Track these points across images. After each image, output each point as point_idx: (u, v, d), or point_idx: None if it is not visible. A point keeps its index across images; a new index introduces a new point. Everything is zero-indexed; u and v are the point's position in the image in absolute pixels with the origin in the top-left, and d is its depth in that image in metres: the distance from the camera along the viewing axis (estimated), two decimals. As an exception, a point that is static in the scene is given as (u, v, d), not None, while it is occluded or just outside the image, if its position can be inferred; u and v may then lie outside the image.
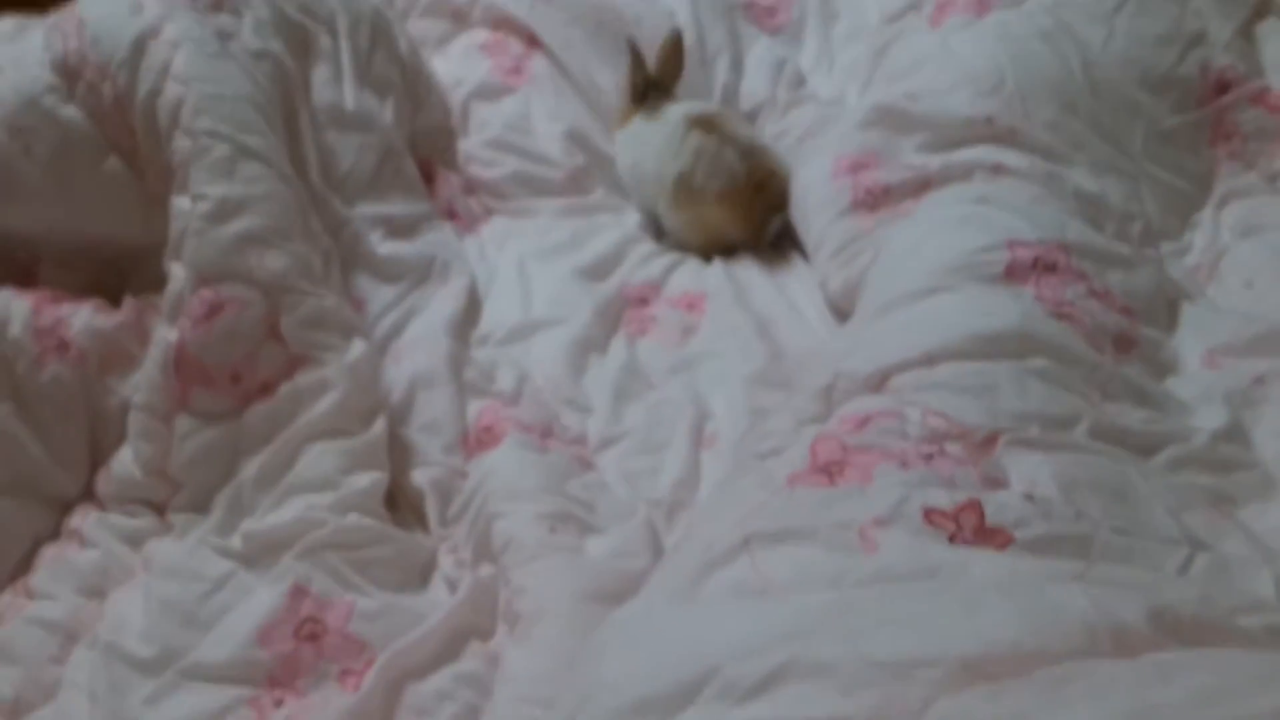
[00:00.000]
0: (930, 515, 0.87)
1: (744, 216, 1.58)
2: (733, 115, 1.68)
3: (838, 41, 1.87)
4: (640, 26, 1.76)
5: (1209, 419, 1.07)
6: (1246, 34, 1.55)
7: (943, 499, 0.89)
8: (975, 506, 0.87)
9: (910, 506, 0.88)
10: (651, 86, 1.66)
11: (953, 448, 0.97)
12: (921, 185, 1.44)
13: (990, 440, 0.98)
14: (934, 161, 1.46)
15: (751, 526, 0.89)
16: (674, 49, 1.67)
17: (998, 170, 1.43)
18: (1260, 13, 1.57)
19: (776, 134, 1.72)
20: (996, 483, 0.93)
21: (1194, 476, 1.01)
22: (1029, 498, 0.91)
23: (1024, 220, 1.25)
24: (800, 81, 1.80)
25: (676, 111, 1.62)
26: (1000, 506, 0.88)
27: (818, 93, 1.79)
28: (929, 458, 0.94)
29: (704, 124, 1.59)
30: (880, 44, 1.76)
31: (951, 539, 0.85)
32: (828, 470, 0.96)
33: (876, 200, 1.46)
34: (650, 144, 1.62)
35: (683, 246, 1.61)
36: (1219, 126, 1.52)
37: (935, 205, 1.39)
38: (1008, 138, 1.47)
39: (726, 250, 1.59)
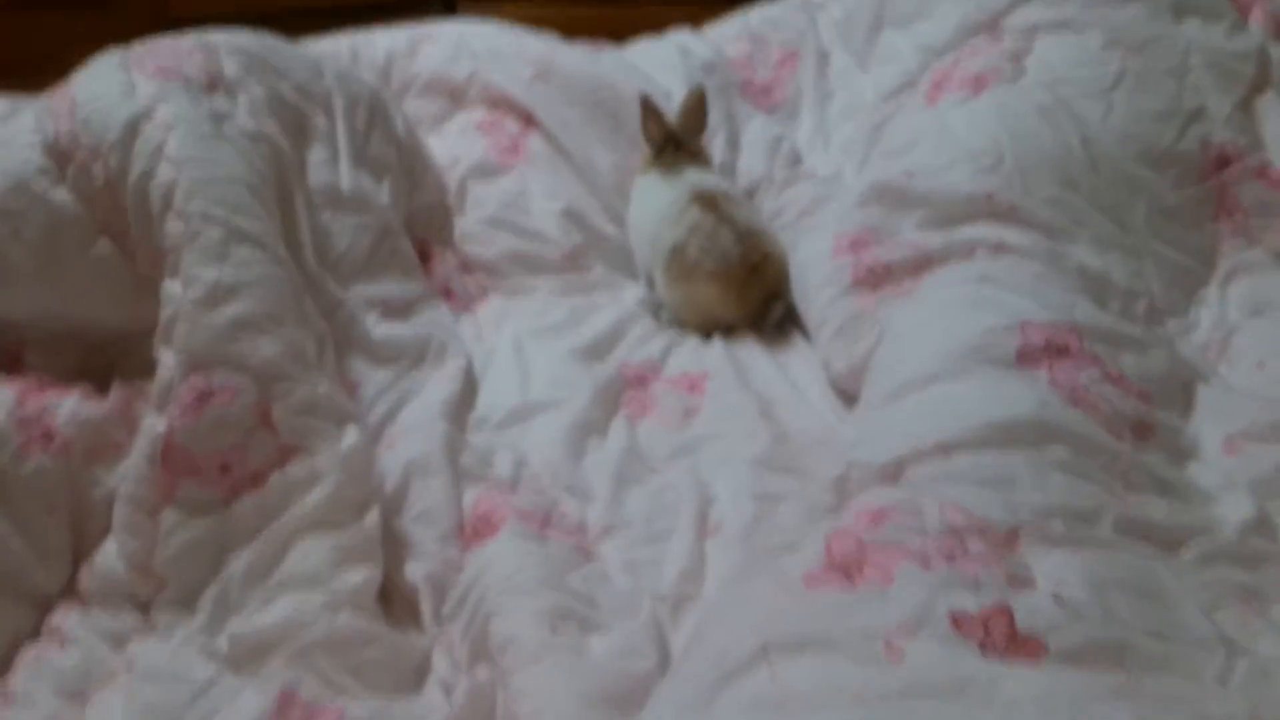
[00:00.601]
0: (958, 621, 0.80)
1: (736, 297, 1.52)
2: (737, 197, 1.63)
3: (833, 119, 1.83)
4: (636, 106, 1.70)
5: (1235, 509, 1.00)
6: (1246, 109, 1.51)
7: (969, 602, 0.82)
8: (1004, 612, 0.81)
9: (936, 611, 0.81)
10: (671, 141, 1.63)
11: (974, 544, 0.90)
12: (923, 263, 1.39)
13: (1012, 536, 0.91)
14: (935, 239, 1.41)
15: (768, 633, 0.82)
16: (696, 105, 1.64)
17: (1000, 248, 1.37)
18: (1258, 88, 1.53)
19: (774, 212, 1.67)
20: (1023, 582, 0.87)
21: (1223, 572, 0.94)
22: (1058, 599, 0.84)
23: (1032, 301, 1.19)
24: (797, 159, 1.76)
25: (687, 179, 1.59)
26: (1030, 611, 0.81)
27: (815, 170, 1.75)
28: (951, 557, 0.88)
29: (705, 200, 1.54)
30: (876, 121, 1.73)
31: (982, 647, 0.79)
32: (845, 569, 0.89)
33: (878, 278, 1.40)
34: (657, 203, 1.58)
35: (677, 321, 1.56)
36: (1221, 202, 1.47)
37: (939, 284, 1.33)
38: (1008, 215, 1.42)
39: (725, 329, 1.53)
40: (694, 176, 1.59)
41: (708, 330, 1.54)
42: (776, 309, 1.53)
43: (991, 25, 1.66)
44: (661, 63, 1.90)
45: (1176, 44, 1.56)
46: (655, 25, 2.18)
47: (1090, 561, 0.89)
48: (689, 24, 2.10)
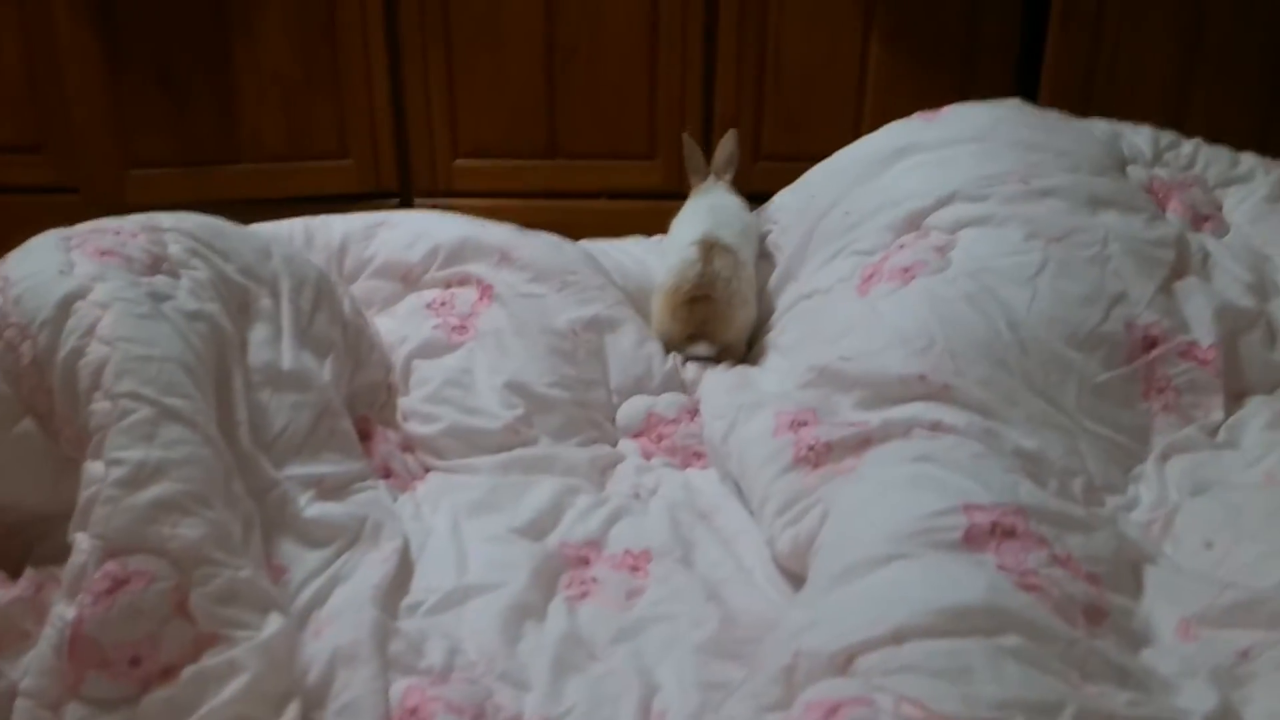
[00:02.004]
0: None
1: (669, 317, 1.73)
2: (737, 248, 1.77)
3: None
4: (618, 280, 1.83)
5: (1197, 700, 0.90)
6: (1168, 292, 1.49)
7: (931, 812, 0.70)
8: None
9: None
10: (709, 174, 1.95)
11: (932, 744, 0.79)
12: (863, 442, 1.32)
13: (972, 733, 0.80)
14: (873, 418, 1.35)
15: None
16: (730, 146, 1.95)
17: (936, 427, 1.32)
18: (1179, 273, 1.52)
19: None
20: (986, 788, 0.75)
21: (1194, 770, 0.83)
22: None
23: (975, 482, 1.11)
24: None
25: (712, 217, 1.81)
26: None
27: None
28: (908, 759, 0.76)
29: (705, 245, 1.73)
30: (811, 311, 1.68)
31: None
32: (797, 774, 0.77)
33: (819, 457, 1.33)
34: (692, 212, 1.84)
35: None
36: (1150, 380, 1.43)
37: (879, 463, 1.26)
38: (942, 395, 1.37)
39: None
40: (719, 216, 1.81)
41: (662, 342, 1.74)
42: (699, 348, 1.72)
43: (916, 224, 1.64)
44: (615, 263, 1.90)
45: (1095, 233, 1.54)
46: (610, 224, 2.17)
47: (1056, 762, 0.77)
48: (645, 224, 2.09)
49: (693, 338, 1.73)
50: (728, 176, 1.97)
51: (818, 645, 0.92)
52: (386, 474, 1.46)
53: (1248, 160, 1.84)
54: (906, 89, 2.53)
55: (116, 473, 1.09)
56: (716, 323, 1.72)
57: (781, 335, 1.73)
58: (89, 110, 2.48)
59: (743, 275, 1.77)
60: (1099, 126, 1.83)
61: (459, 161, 2.65)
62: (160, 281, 1.29)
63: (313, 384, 1.39)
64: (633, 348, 1.72)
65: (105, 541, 1.06)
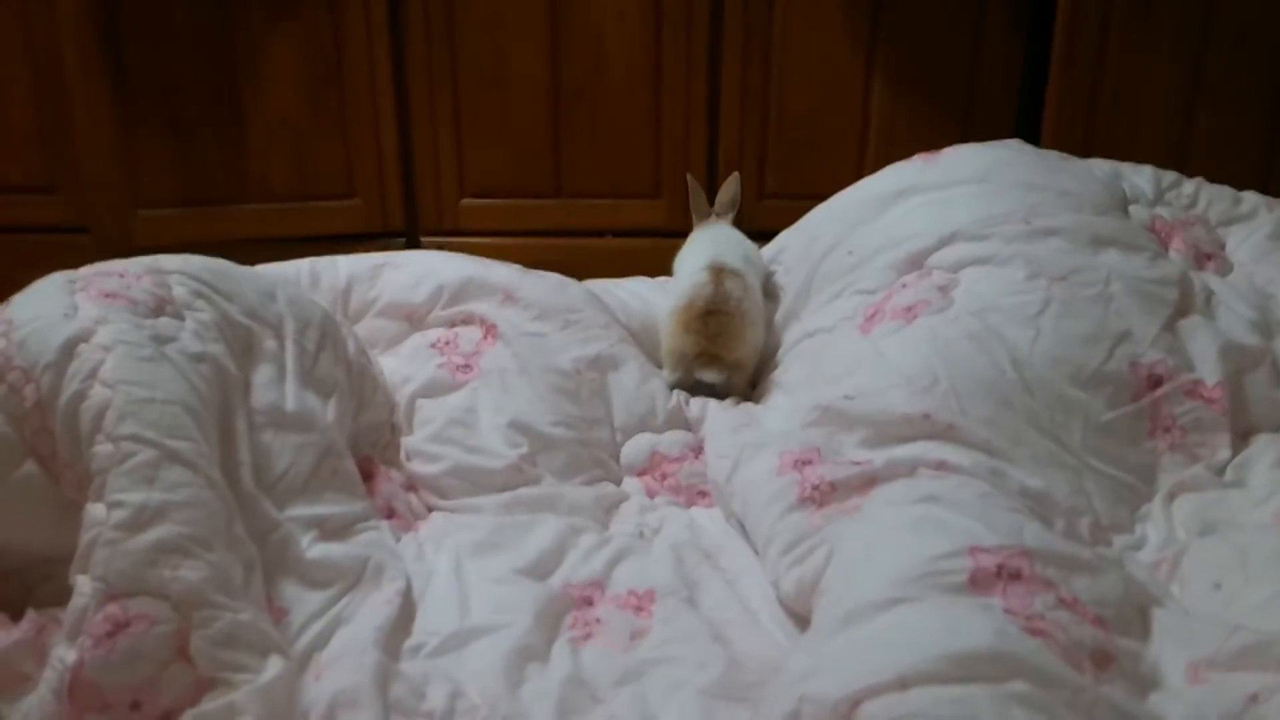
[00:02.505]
0: None
1: (683, 332, 1.73)
2: (745, 274, 1.79)
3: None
4: (621, 318, 1.82)
5: (1207, 746, 0.88)
6: (1172, 330, 1.48)
7: None
8: None
9: None
10: (711, 215, 1.99)
11: (938, 793, 0.77)
12: (868, 481, 1.31)
13: (979, 784, 0.79)
14: (878, 457, 1.34)
15: None
16: (733, 188, 1.98)
17: (941, 466, 1.31)
18: (1183, 312, 1.50)
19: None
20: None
21: (1206, 820, 0.81)
22: None
23: (980, 524, 1.10)
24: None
25: (718, 248, 1.83)
26: None
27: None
28: (914, 810, 0.74)
29: (715, 270, 1.76)
30: (814, 349, 1.68)
31: None
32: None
33: (824, 496, 1.31)
34: (693, 260, 1.85)
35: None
36: (1156, 419, 1.41)
37: (884, 503, 1.25)
38: (947, 434, 1.36)
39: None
40: (724, 247, 1.83)
41: (674, 368, 1.75)
42: (709, 374, 1.72)
43: (918, 264, 1.64)
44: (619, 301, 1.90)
45: (1098, 272, 1.54)
46: (615, 263, 2.18)
47: (1065, 813, 0.76)
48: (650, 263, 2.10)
49: (704, 355, 1.73)
50: (729, 217, 1.99)
51: (822, 691, 0.90)
52: (389, 514, 1.44)
53: (1250, 199, 1.83)
54: (909, 129, 2.54)
55: (118, 515, 1.08)
56: (729, 338, 1.73)
57: (785, 374, 1.73)
58: (99, 152, 2.50)
59: (752, 299, 1.79)
60: (1100, 166, 1.83)
61: (465, 201, 2.66)
62: (164, 324, 1.29)
63: (316, 425, 1.38)
64: (636, 386, 1.72)
65: (106, 584, 1.05)
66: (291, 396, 1.38)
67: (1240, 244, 1.73)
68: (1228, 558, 1.15)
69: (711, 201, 2.01)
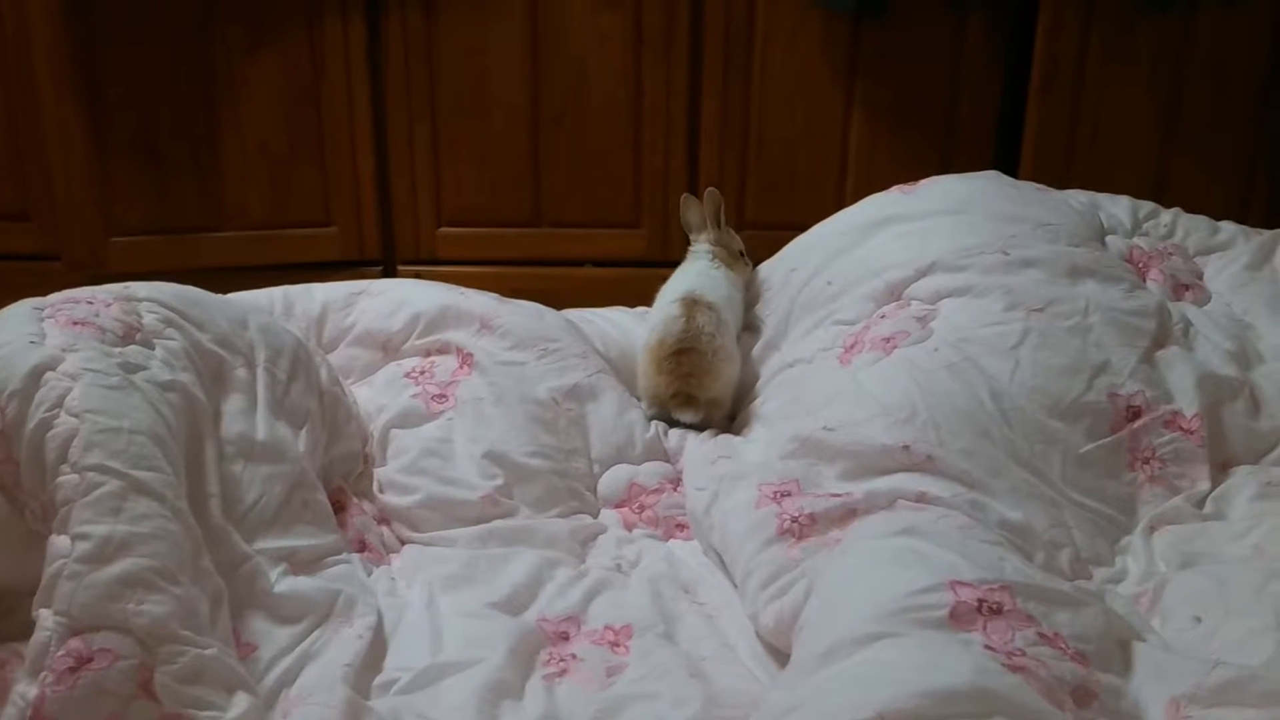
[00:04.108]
0: None
1: (655, 371, 1.71)
2: (719, 305, 1.77)
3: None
4: (600, 348, 1.81)
5: (1189, 784, 0.88)
6: (1150, 362, 1.48)
7: None
8: None
9: None
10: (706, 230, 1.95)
11: (918, 834, 0.76)
12: (847, 513, 1.31)
13: (958, 823, 0.78)
14: (857, 489, 1.34)
15: None
16: (714, 202, 1.93)
17: (921, 499, 1.31)
18: (1160, 343, 1.51)
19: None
20: None
21: None
22: None
23: (960, 557, 1.09)
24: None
25: (696, 279, 1.81)
26: None
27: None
28: None
29: (688, 301, 1.74)
30: (794, 380, 1.67)
31: None
32: None
33: (803, 528, 1.31)
34: (677, 278, 1.85)
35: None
36: (1135, 451, 1.42)
37: (863, 536, 1.24)
38: (926, 465, 1.36)
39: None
40: (702, 281, 1.81)
41: (650, 406, 1.74)
42: (686, 415, 1.71)
43: (897, 294, 1.64)
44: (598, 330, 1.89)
45: (1076, 303, 1.54)
46: (594, 292, 2.17)
47: None
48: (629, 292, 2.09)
49: (679, 394, 1.71)
50: (714, 235, 1.93)
51: (801, 728, 0.89)
52: (361, 547, 1.43)
53: (1228, 228, 1.84)
54: (888, 160, 2.55)
55: (82, 547, 1.07)
56: (702, 375, 1.71)
57: (764, 405, 1.72)
58: (73, 179, 2.49)
59: (726, 333, 1.77)
60: (1077, 197, 1.84)
61: (443, 230, 2.66)
62: (133, 352, 1.27)
63: (287, 455, 1.37)
64: (614, 416, 1.71)
65: (69, 618, 1.04)
66: (262, 426, 1.37)
67: (1218, 274, 1.74)
68: (1208, 591, 1.15)
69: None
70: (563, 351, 1.75)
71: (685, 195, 1.97)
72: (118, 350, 1.26)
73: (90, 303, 1.32)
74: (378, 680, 1.20)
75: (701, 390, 1.71)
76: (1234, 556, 1.27)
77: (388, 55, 2.53)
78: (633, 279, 2.17)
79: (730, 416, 1.79)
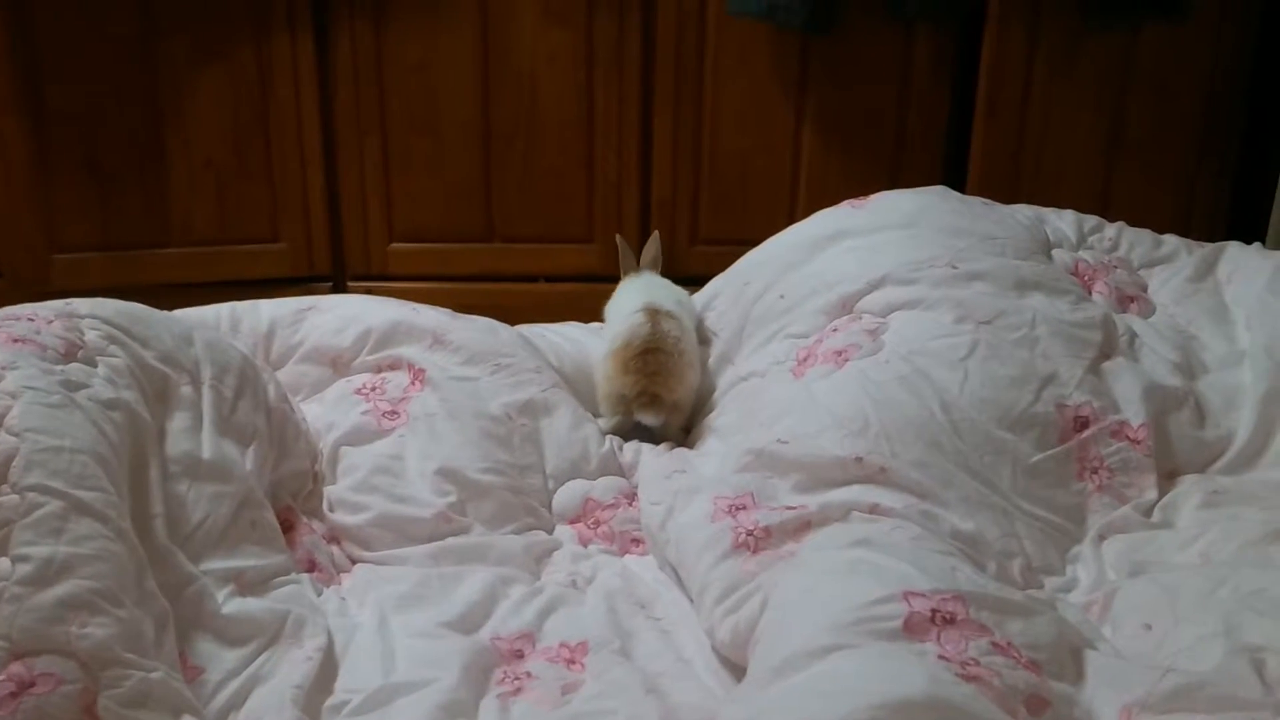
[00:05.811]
0: None
1: (622, 372, 1.70)
2: (680, 315, 1.79)
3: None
4: (554, 362, 1.81)
5: (1141, 790, 0.89)
6: (1096, 373, 1.51)
7: None
8: None
9: None
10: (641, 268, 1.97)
11: (874, 845, 0.76)
12: (802, 525, 1.31)
13: (914, 834, 0.78)
14: (811, 501, 1.35)
15: None
16: (655, 247, 1.97)
17: (874, 510, 1.32)
18: (1106, 354, 1.54)
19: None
20: None
21: None
22: None
23: (914, 567, 1.10)
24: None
25: (651, 294, 1.81)
26: None
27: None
28: None
29: (650, 310, 1.75)
30: (748, 394, 1.68)
31: None
32: None
33: (758, 542, 1.31)
34: (628, 291, 1.88)
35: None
36: (1084, 460, 1.44)
37: (818, 548, 1.25)
38: (879, 477, 1.37)
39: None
40: (656, 293, 1.83)
41: (612, 412, 1.74)
42: (649, 416, 1.71)
43: (848, 308, 1.66)
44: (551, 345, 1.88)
45: (1024, 315, 1.56)
46: (548, 307, 2.17)
47: None
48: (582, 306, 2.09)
49: (645, 394, 1.71)
50: (653, 272, 1.98)
51: (756, 742, 0.89)
52: (310, 567, 1.41)
53: (1171, 241, 1.88)
54: (839, 175, 2.58)
55: (23, 570, 1.04)
56: (668, 376, 1.71)
57: (719, 418, 1.73)
58: (14, 194, 2.44)
59: (689, 340, 1.79)
60: (1023, 212, 1.87)
61: (394, 245, 2.64)
62: (75, 369, 1.25)
63: (233, 474, 1.35)
64: (569, 431, 1.70)
65: (10, 642, 1.01)
66: (208, 445, 1.34)
67: (1162, 286, 1.77)
68: (1158, 599, 1.17)
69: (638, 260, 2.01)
70: (516, 366, 1.74)
71: (619, 238, 2.00)
72: (59, 368, 1.23)
73: (31, 319, 1.29)
74: (329, 702, 1.18)
75: (667, 390, 1.71)
76: (1182, 564, 1.29)
77: (337, 69, 2.52)
78: (586, 294, 2.16)
79: (685, 429, 1.79)
